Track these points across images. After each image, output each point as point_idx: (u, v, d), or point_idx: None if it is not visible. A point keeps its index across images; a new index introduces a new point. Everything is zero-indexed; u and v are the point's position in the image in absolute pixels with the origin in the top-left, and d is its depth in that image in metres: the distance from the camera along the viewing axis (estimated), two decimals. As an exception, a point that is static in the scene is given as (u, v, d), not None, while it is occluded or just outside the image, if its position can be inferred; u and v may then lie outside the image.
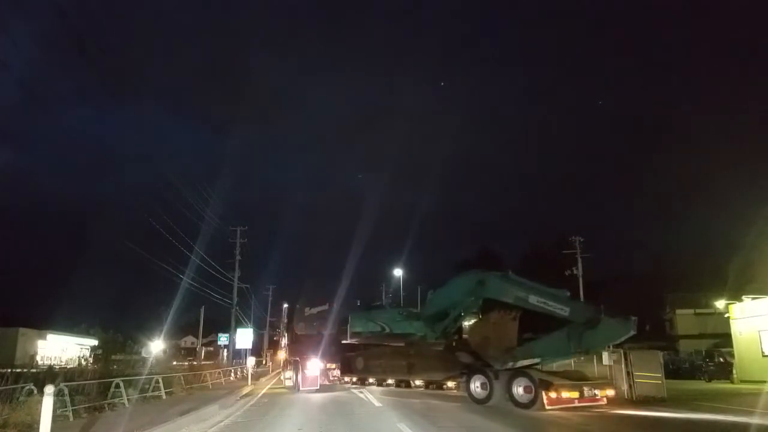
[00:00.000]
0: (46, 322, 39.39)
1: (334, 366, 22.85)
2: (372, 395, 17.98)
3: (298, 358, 20.84)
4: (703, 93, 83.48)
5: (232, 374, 30.12)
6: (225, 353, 42.82)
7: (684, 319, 42.54)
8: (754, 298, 24.16)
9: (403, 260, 46.72)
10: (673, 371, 24.48)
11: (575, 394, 13.37)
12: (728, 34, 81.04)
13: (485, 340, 15.90)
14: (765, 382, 17.55)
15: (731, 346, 24.67)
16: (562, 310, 14.12)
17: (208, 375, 23.24)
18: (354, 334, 21.12)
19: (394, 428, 10.59)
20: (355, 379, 24.11)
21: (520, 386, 13.99)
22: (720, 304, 28.21)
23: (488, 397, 14.86)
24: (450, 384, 19.09)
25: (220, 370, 27.38)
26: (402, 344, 20.97)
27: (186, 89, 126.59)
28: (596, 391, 13.80)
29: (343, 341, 22.81)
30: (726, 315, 26.09)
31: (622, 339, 13.59)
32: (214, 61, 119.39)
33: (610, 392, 14.17)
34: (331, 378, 22.94)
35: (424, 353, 19.99)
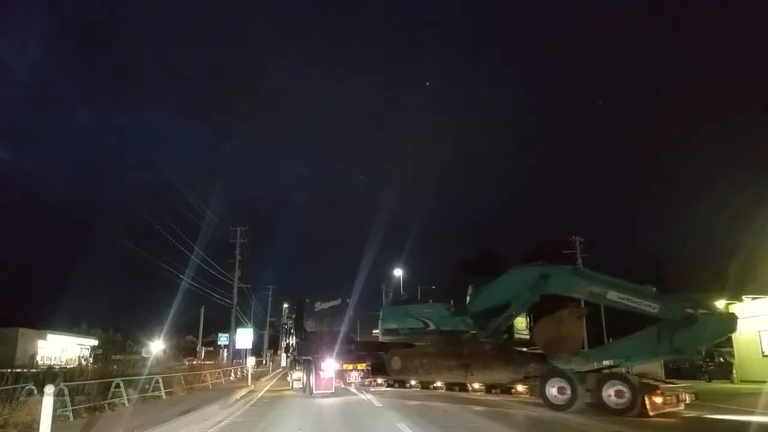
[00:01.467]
0: (46, 322, 39.41)
1: (350, 367, 19.54)
2: (372, 396, 17.79)
3: (310, 358, 18.70)
4: (703, 93, 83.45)
5: (232, 374, 30.11)
6: (225, 353, 42.83)
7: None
8: (754, 298, 24.13)
9: (403, 260, 46.67)
10: (673, 371, 24.46)
11: (674, 399, 12.32)
12: (729, 34, 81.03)
13: (555, 339, 14.67)
14: (765, 382, 17.57)
15: (731, 346, 24.65)
16: (650, 307, 12.99)
17: (208, 375, 23.23)
18: (388, 331, 19.47)
19: (394, 428, 10.59)
20: (390, 381, 21.41)
21: (611, 390, 12.50)
22: (720, 304, 28.20)
23: (570, 403, 13.12)
24: (519, 388, 16.56)
25: (220, 370, 27.37)
26: (442, 342, 18.92)
27: (186, 90, 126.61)
28: (686, 395, 12.77)
29: (358, 340, 21.86)
30: None
31: (723, 338, 12.59)
32: (214, 61, 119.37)
33: (690, 396, 12.95)
34: (349, 380, 19.59)
35: (481, 353, 17.71)
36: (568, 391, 13.24)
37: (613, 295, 13.57)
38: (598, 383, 12.84)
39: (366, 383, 20.24)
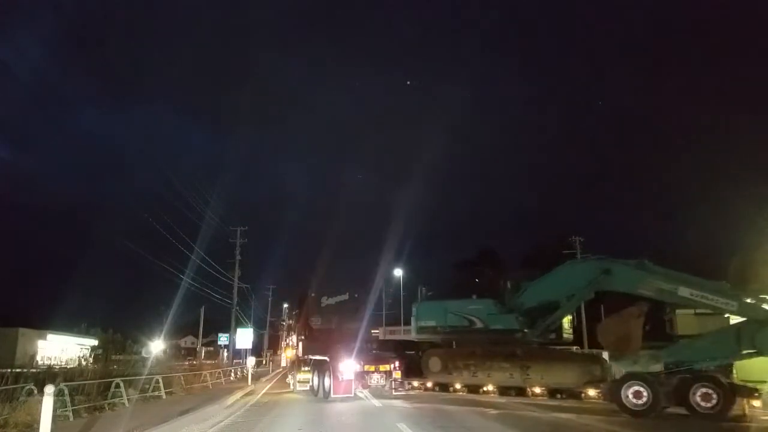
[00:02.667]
0: (46, 322, 39.39)
1: (372, 368, 16.82)
2: (371, 395, 17.26)
3: (325, 358, 16.95)
4: (704, 92, 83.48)
5: (232, 374, 30.08)
6: (225, 353, 42.82)
7: (684, 319, 42.32)
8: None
9: (404, 260, 46.67)
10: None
11: (760, 401, 11.70)
12: (728, 34, 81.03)
13: (620, 339, 13.65)
14: (765, 382, 17.53)
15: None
16: (728, 305, 12.28)
17: (208, 375, 23.21)
18: (423, 330, 17.94)
19: (394, 428, 10.59)
20: (429, 385, 18.91)
21: (697, 393, 11.78)
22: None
23: (650, 407, 12.16)
24: (591, 392, 15.19)
25: (220, 370, 27.35)
26: (491, 342, 17.44)
27: (186, 90, 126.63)
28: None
29: (379, 338, 20.59)
30: (726, 315, 26.02)
31: None
32: (215, 61, 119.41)
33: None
34: (371, 383, 16.73)
35: (538, 353, 16.48)
36: (646, 395, 12.31)
37: (684, 292, 12.68)
38: (682, 386, 12.01)
39: (392, 386, 16.92)
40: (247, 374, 26.67)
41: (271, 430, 10.88)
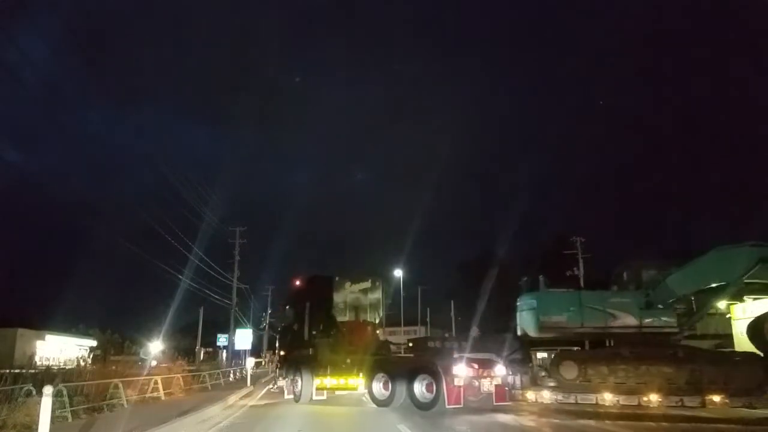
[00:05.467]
0: (44, 323, 39.35)
1: (485, 374, 13.61)
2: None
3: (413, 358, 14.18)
4: (704, 92, 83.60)
5: (231, 375, 30.03)
6: (224, 354, 42.77)
7: (685, 320, 42.46)
8: (755, 299, 24.07)
9: (403, 261, 46.59)
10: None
11: None
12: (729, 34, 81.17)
13: None
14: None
15: (733, 347, 24.56)
16: None
17: (207, 376, 23.15)
18: (548, 327, 14.85)
19: (394, 429, 10.54)
20: (560, 397, 14.56)
21: None
22: (722, 304, 28.02)
23: None
24: None
25: (219, 371, 27.29)
26: (643, 342, 14.72)
27: (186, 89, 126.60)
28: None
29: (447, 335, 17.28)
30: (728, 315, 25.94)
31: None
32: (214, 60, 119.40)
33: None
34: (483, 391, 13.52)
35: (703, 355, 14.24)
36: None
37: None
38: None
39: (504, 396, 13.96)
40: (247, 375, 26.61)
41: (271, 430, 10.82)
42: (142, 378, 15.98)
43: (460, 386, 12.67)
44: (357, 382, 14.80)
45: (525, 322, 15.59)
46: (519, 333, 16.08)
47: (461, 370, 12.87)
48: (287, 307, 19.12)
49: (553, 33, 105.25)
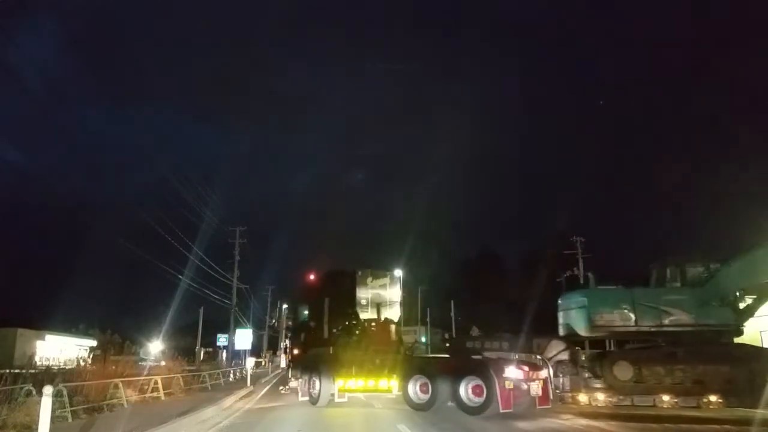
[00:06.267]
0: (44, 323, 39.43)
1: (534, 375, 12.93)
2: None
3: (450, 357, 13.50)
4: (705, 92, 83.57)
5: (231, 375, 30.02)
6: (224, 354, 42.79)
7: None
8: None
9: (404, 261, 46.50)
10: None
11: None
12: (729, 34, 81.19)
13: None
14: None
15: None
16: None
17: (207, 376, 23.16)
18: (599, 326, 14.16)
19: (394, 429, 10.54)
20: (615, 399, 13.99)
21: None
22: None
23: None
24: None
25: (219, 371, 27.29)
26: (698, 342, 14.16)
27: (186, 89, 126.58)
28: None
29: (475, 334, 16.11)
30: None
31: None
32: (214, 60, 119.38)
33: None
34: (533, 394, 12.63)
35: (758, 353, 13.62)
36: None
37: None
38: None
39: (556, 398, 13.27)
40: (246, 375, 26.61)
41: (271, 430, 10.83)
42: (142, 378, 15.98)
43: (510, 389, 11.93)
44: (389, 383, 13.81)
45: (573, 321, 14.86)
46: (562, 333, 15.43)
47: (513, 372, 12.22)
48: (301, 303, 17.89)
49: (554, 30, 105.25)
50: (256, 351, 51.32)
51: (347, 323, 15.43)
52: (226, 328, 39.65)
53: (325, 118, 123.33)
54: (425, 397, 13.08)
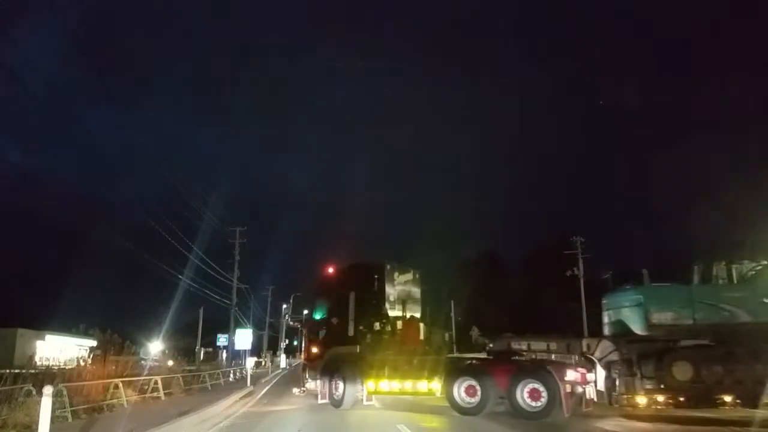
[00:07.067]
0: (44, 323, 39.35)
1: (592, 377, 12.59)
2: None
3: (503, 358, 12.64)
4: (704, 92, 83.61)
5: (231, 375, 30.05)
6: (224, 354, 42.80)
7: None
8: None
9: (402, 261, 46.53)
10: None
11: None
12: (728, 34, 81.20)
13: None
14: None
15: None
16: None
17: (207, 376, 23.18)
18: (657, 326, 13.34)
19: (394, 429, 10.55)
20: (662, 399, 13.13)
21: None
22: None
23: None
24: None
25: (219, 371, 27.31)
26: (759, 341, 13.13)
27: (186, 89, 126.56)
28: None
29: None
30: None
31: None
32: (215, 60, 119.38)
33: None
34: (590, 398, 12.49)
35: None
36: None
37: None
38: None
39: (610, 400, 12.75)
40: (247, 375, 26.63)
41: (271, 430, 10.84)
42: (142, 378, 16.00)
43: (569, 392, 11.35)
44: (429, 386, 12.92)
45: (628, 319, 14.23)
46: (609, 332, 14.79)
47: (573, 375, 11.62)
48: (319, 298, 16.48)
49: (553, 30, 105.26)
50: (256, 351, 51.33)
51: (375, 320, 14.37)
52: (226, 328, 39.67)
53: (325, 118, 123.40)
54: (472, 400, 12.34)
